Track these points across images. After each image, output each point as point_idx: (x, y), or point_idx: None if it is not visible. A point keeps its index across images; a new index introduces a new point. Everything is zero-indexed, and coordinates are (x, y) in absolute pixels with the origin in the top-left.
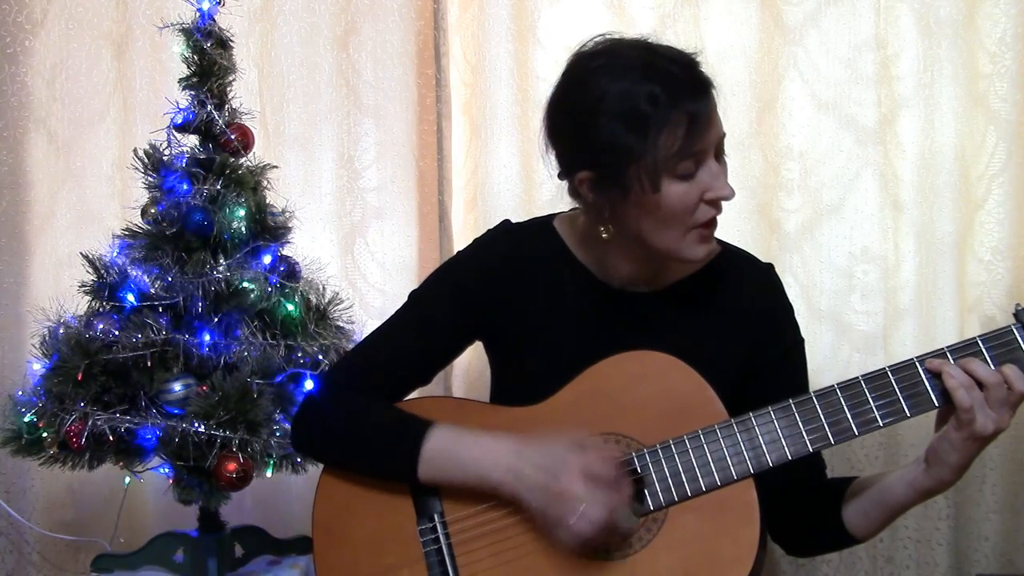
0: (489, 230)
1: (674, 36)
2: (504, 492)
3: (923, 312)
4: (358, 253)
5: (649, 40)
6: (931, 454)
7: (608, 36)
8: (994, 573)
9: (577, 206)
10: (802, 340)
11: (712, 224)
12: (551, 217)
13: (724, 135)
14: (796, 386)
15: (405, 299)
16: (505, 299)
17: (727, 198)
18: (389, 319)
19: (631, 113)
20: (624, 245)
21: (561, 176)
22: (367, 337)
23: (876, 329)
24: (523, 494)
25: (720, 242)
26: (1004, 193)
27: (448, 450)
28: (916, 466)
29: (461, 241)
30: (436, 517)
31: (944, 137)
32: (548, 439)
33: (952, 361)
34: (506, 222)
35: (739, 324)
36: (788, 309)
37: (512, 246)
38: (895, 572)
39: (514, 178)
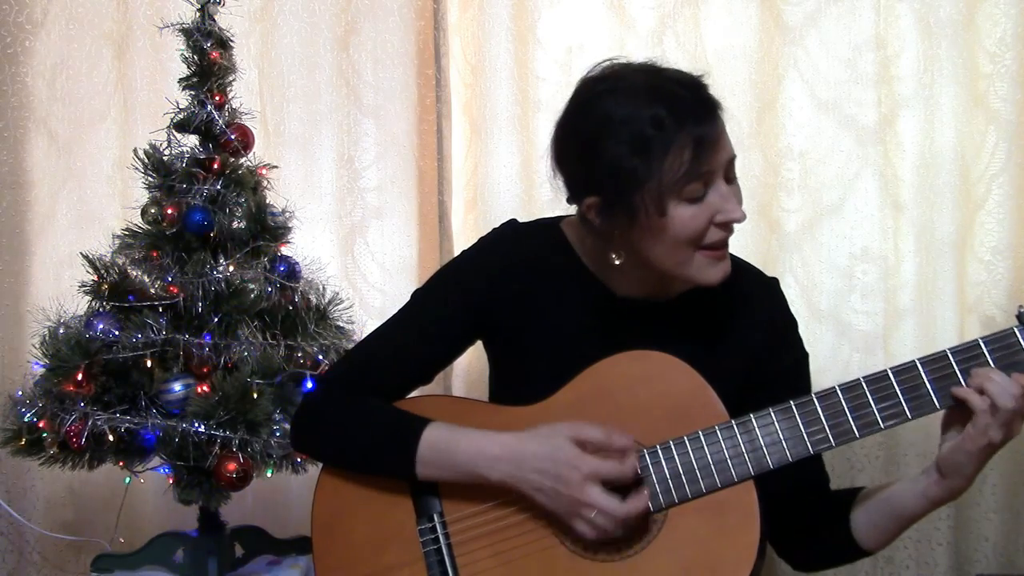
0: (495, 229)
1: (674, 36)
2: (508, 488)
3: (923, 312)
4: (358, 253)
5: (656, 63)
6: (946, 465)
7: (615, 60)
8: (994, 573)
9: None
10: (806, 355)
11: (723, 246)
12: (559, 219)
13: (734, 157)
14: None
15: (405, 299)
16: (508, 299)
17: (738, 220)
18: (391, 318)
19: (636, 137)
20: (635, 266)
21: (569, 201)
22: (368, 336)
23: (876, 329)
24: (527, 494)
25: None
26: (1004, 193)
27: (443, 450)
28: (927, 476)
29: (461, 241)
30: (436, 517)
31: (944, 137)
32: (546, 435)
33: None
34: (512, 222)
35: (744, 336)
36: (793, 323)
37: (517, 247)
38: (895, 572)
39: (514, 178)
